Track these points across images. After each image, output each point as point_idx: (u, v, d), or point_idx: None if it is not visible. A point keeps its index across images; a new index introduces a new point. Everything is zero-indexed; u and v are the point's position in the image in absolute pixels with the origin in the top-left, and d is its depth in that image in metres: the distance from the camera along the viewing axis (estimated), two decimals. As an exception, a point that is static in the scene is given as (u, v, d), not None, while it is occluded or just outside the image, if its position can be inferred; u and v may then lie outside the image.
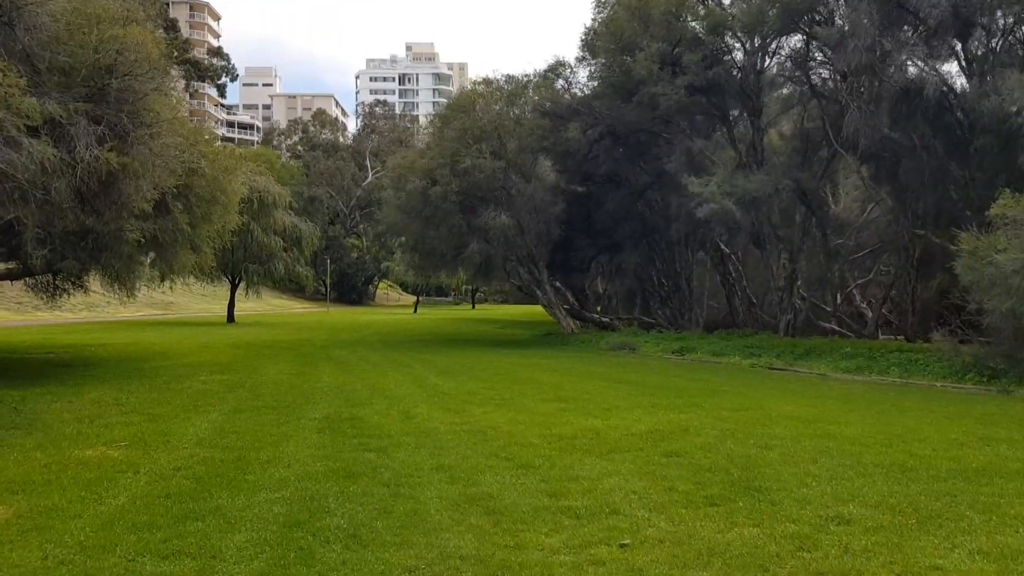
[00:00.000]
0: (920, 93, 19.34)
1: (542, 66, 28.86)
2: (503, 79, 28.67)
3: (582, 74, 35.01)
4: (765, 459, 8.28)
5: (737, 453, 8.55)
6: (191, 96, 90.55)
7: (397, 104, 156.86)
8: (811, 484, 7.20)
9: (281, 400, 12.55)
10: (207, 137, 17.00)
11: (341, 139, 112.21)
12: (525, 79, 28.45)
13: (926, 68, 20.13)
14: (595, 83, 27.51)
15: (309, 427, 10.12)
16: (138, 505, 6.38)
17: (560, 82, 28.48)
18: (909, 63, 20.53)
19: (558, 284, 32.44)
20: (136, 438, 9.24)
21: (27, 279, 18.43)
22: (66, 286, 18.78)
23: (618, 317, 35.74)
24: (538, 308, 77.35)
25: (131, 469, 7.59)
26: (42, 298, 19.59)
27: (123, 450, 8.57)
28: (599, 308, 39.38)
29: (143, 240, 15.58)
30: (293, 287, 74.88)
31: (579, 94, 28.03)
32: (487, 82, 28.92)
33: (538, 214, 27.66)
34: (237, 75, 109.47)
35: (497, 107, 28.07)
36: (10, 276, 18.14)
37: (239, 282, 43.47)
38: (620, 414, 11.28)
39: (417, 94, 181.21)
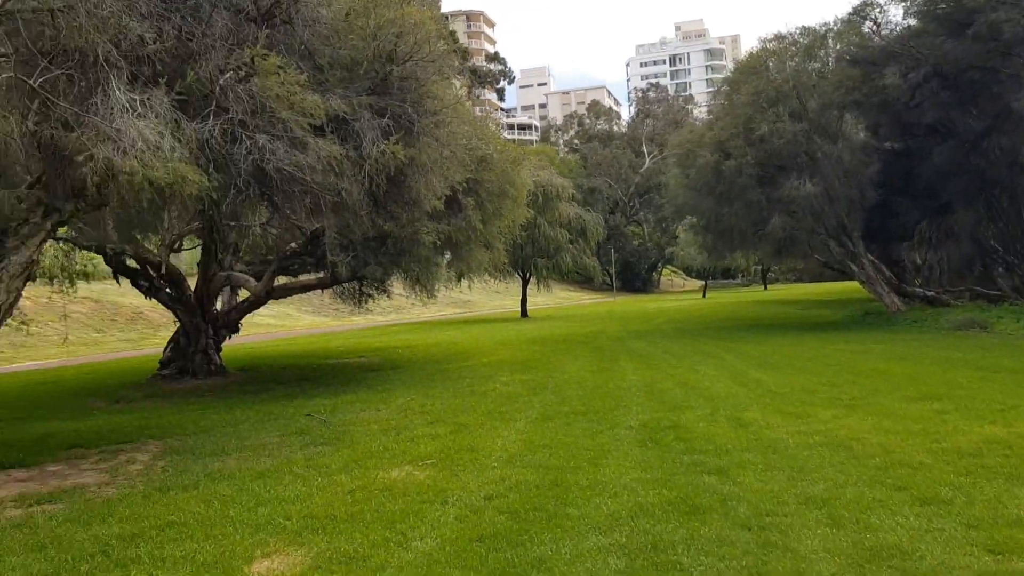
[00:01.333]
0: None
1: (841, 12, 25.52)
2: (797, 32, 25.66)
3: (894, 13, 30.69)
4: None
5: None
6: (473, 104, 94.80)
7: (669, 86, 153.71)
8: None
9: (589, 404, 11.34)
10: (492, 128, 16.51)
11: (616, 128, 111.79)
12: (823, 28, 25.25)
13: None
14: (911, 20, 23.74)
15: (627, 439, 8.73)
16: (448, 552, 5.29)
17: (867, 24, 24.93)
18: None
19: (871, 257, 28.71)
20: (442, 454, 8.39)
21: (336, 287, 19.01)
22: (371, 291, 19.17)
23: (945, 290, 31.11)
24: (839, 286, 71.35)
25: (439, 498, 6.61)
26: (350, 304, 20.24)
27: (429, 470, 7.70)
28: (917, 281, 34.72)
29: (438, 241, 15.21)
30: (579, 279, 75.36)
31: (892, 35, 24.35)
32: (779, 38, 26.04)
33: (848, 178, 24.40)
34: (514, 77, 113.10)
35: (793, 63, 25.18)
36: (321, 285, 18.81)
37: (529, 277, 43.82)
38: None
39: (689, 73, 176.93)
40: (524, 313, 44.36)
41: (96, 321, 35.46)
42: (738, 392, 11.73)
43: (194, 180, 7.73)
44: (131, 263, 17.33)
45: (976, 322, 20.41)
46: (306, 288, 19.54)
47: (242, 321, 20.02)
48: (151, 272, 17.29)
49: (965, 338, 18.90)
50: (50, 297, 36.07)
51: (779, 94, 24.45)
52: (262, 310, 44.97)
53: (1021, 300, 24.49)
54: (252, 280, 18.00)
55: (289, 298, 44.52)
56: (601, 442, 8.58)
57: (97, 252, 16.13)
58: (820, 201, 24.21)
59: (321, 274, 18.36)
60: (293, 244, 17.64)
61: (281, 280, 19.38)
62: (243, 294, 19.97)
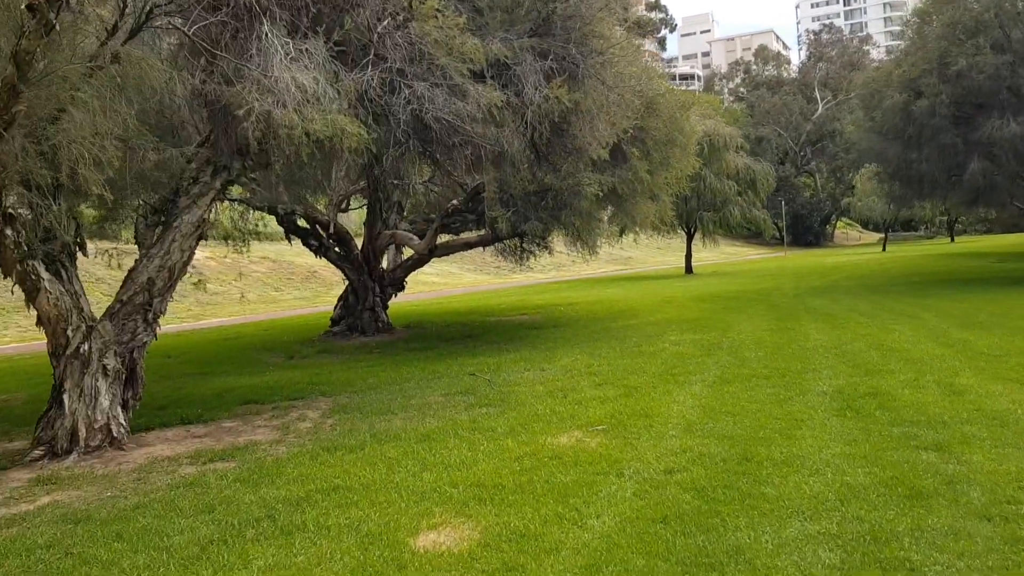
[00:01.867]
0: None
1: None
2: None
3: None
4: None
5: None
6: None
7: (844, 28, 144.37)
8: None
9: (771, 366, 10.42)
10: (660, 73, 15.47)
11: (785, 74, 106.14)
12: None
13: None
14: None
15: (821, 406, 7.83)
16: (628, 534, 4.72)
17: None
18: None
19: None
20: (614, 419, 7.82)
21: (496, 244, 18.72)
22: (532, 248, 18.76)
23: None
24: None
25: (613, 469, 6.05)
26: (511, 261, 19.92)
27: (601, 436, 7.15)
28: None
29: (601, 194, 14.52)
30: (746, 233, 72.31)
31: None
32: (980, -41, 23.19)
33: (1064, 115, 21.55)
34: (676, 25, 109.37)
35: (996, -13, 22.36)
36: (482, 243, 18.58)
37: (694, 231, 42.24)
38: None
39: (865, 12, 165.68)
40: (689, 269, 42.93)
41: (274, 280, 37.25)
42: (943, 354, 10.45)
43: (353, 132, 7.42)
44: (302, 223, 17.72)
45: None
46: (469, 245, 19.37)
47: (407, 279, 20.19)
48: (320, 231, 17.62)
49: None
50: (228, 256, 38.32)
51: (979, 24, 21.83)
52: (426, 268, 45.91)
53: None
54: (415, 238, 18.00)
55: (452, 256, 45.27)
56: (791, 410, 7.73)
57: (269, 212, 16.57)
58: (1028, 141, 21.51)
59: (483, 231, 18.12)
60: (455, 201, 17.45)
61: (443, 238, 19.32)
62: (408, 252, 20.10)
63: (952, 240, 79.80)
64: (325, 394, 10.85)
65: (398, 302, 27.35)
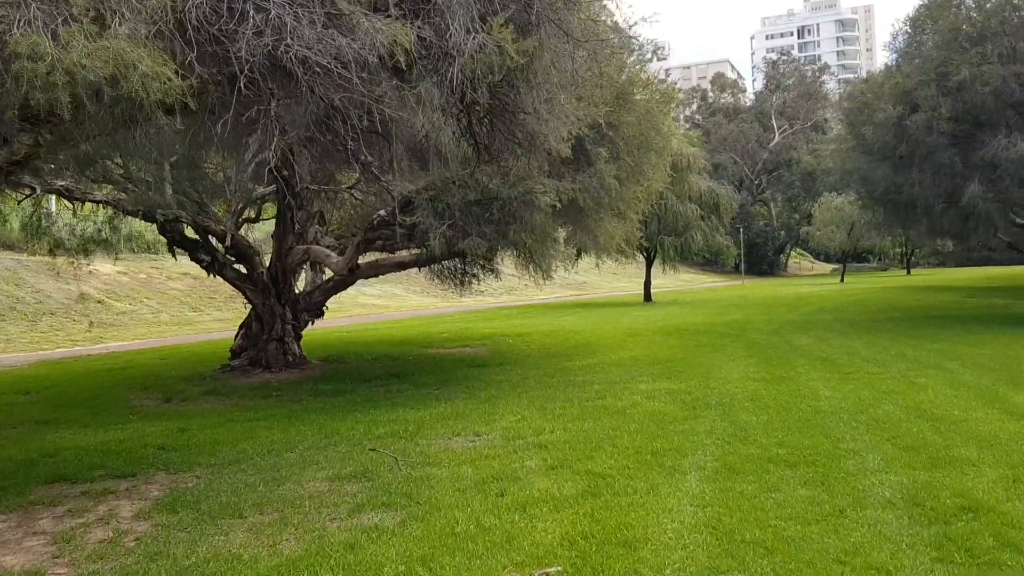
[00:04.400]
0: None
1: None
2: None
3: None
4: None
5: None
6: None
7: (800, 59, 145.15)
8: None
9: (788, 442, 7.51)
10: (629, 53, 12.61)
11: (742, 101, 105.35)
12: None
13: None
14: None
15: (900, 535, 4.92)
16: None
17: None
18: None
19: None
20: (575, 551, 4.83)
21: (434, 266, 15.67)
22: (475, 271, 15.72)
23: None
24: (993, 271, 63.76)
25: None
26: (451, 287, 16.81)
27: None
28: None
29: (559, 205, 11.63)
30: (702, 260, 70.15)
31: None
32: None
33: (1073, 137, 19.27)
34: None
35: (1000, -7, 20.11)
36: (417, 263, 15.51)
37: (654, 257, 39.58)
38: None
39: (819, 46, 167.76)
40: (648, 297, 40.23)
41: (193, 298, 33.61)
42: (1022, 432, 7.64)
43: (153, 72, 4.39)
44: (191, 233, 14.49)
45: None
46: (402, 266, 16.25)
47: (327, 304, 17.03)
48: (214, 244, 14.43)
49: None
50: (143, 272, 34.61)
51: (982, 32, 19.53)
52: (367, 289, 42.61)
53: None
54: (334, 256, 14.86)
55: (396, 277, 41.83)
56: (857, 542, 4.81)
57: (146, 219, 13.28)
58: (1035, 164, 19.15)
59: (417, 249, 15.08)
60: (381, 212, 14.42)
61: (373, 256, 16.26)
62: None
63: (908, 272, 78.65)
64: (170, 468, 7.72)
65: (325, 327, 24.10)
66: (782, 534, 4.99)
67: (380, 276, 18.84)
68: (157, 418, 10.96)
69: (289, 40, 4.93)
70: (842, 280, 65.87)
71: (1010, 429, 7.69)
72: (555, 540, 5.05)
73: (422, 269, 16.84)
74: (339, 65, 5.01)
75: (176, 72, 4.66)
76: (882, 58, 34.15)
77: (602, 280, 59.88)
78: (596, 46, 7.33)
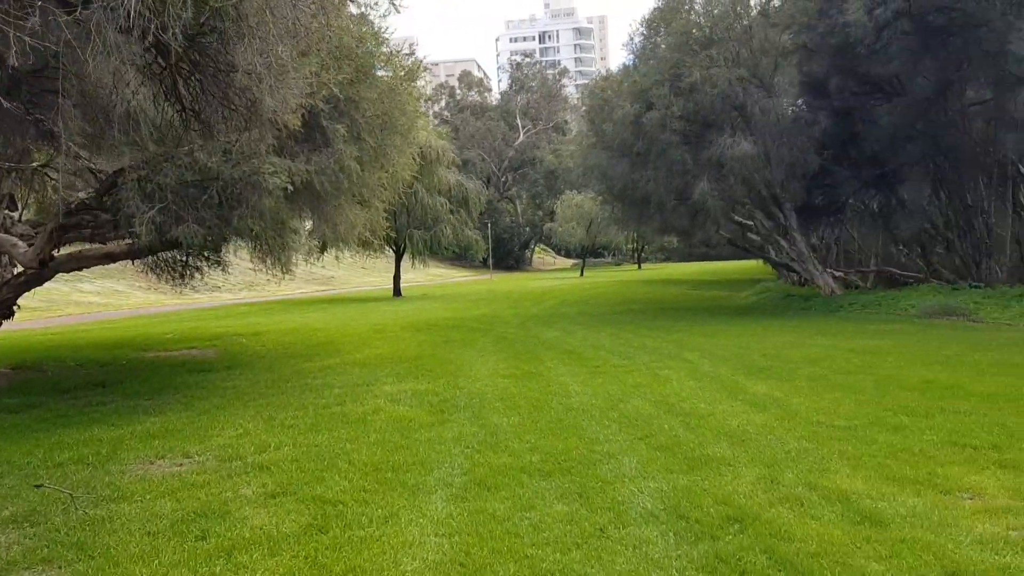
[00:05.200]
0: None
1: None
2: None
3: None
4: None
5: None
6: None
7: (541, 63, 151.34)
8: None
9: (542, 447, 6.87)
10: (374, 33, 11.46)
11: (488, 100, 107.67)
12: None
13: None
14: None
15: (666, 551, 4.34)
16: None
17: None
18: None
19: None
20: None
21: (148, 258, 13.67)
22: (198, 263, 13.90)
23: (856, 270, 28.70)
24: (712, 266, 69.79)
25: None
26: (169, 283, 14.79)
27: None
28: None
29: (291, 188, 10.35)
30: (451, 255, 70.49)
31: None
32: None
33: (786, 139, 20.81)
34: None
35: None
36: (129, 254, 13.43)
37: (404, 250, 38.77)
38: None
39: (559, 51, 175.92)
40: (397, 292, 39.38)
41: None
42: (769, 424, 7.52)
43: None
44: None
45: (953, 309, 17.16)
46: (111, 257, 14.02)
47: (19, 303, 14.40)
48: None
49: (965, 330, 15.47)
50: None
51: (710, 37, 20.56)
52: (83, 285, 38.05)
53: (957, 282, 21.83)
54: (21, 245, 12.45)
55: (120, 272, 37.55)
56: (623, 569, 4.16)
57: None
58: (756, 164, 20.52)
59: (128, 240, 13.05)
60: (81, 194, 12.30)
61: (74, 248, 13.97)
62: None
63: (639, 267, 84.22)
64: None
65: (24, 329, 20.86)
66: (539, 567, 4.23)
67: (86, 269, 16.38)
68: None
69: None
70: (582, 274, 69.07)
71: (756, 422, 7.57)
72: (264, 600, 3.95)
73: (134, 262, 14.73)
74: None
75: None
76: (616, 66, 35.66)
77: (351, 275, 58.24)
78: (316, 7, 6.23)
